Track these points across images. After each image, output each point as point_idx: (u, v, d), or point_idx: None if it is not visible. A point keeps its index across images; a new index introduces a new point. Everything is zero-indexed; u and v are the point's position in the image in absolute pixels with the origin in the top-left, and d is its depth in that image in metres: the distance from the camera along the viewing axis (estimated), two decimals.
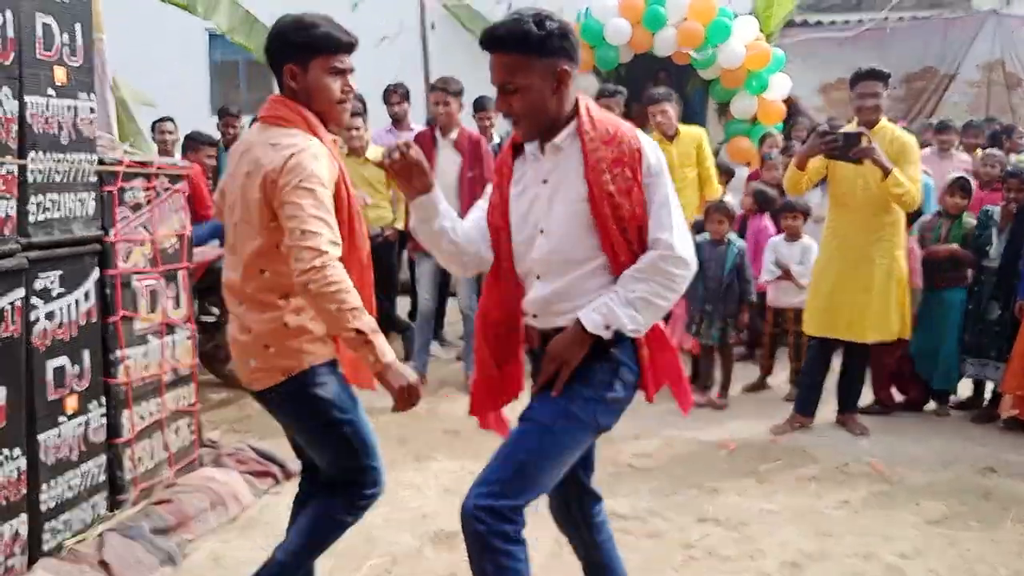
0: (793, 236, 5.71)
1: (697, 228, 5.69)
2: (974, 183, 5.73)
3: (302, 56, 2.51)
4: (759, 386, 5.87)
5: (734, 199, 6.69)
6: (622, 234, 2.30)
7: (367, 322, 2.35)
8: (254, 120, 2.72)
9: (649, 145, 2.35)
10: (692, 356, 5.82)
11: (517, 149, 2.43)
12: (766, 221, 6.29)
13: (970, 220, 5.42)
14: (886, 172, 4.58)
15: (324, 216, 2.37)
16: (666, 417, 5.32)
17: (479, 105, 6.76)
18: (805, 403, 5.15)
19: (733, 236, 5.67)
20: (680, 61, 8.47)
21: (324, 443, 2.66)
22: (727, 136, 8.68)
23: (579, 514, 2.70)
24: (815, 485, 4.29)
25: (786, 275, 5.67)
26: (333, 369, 2.62)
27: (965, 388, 5.60)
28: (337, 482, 2.70)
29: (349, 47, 2.56)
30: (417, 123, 7.43)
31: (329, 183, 2.45)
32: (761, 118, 8.44)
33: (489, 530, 2.20)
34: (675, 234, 2.32)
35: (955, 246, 5.33)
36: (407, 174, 2.37)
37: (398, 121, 7.20)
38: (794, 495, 4.17)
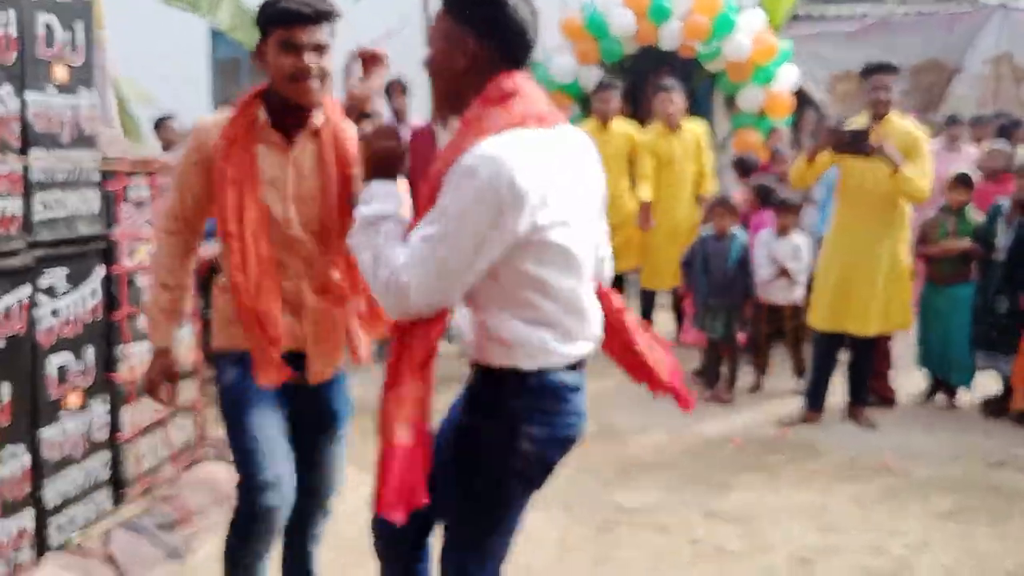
0: (784, 232, 5.69)
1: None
2: (979, 176, 5.69)
3: (264, 35, 2.37)
4: (756, 386, 5.81)
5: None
6: None
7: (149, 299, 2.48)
8: None
9: (463, 172, 1.80)
10: (710, 350, 5.81)
11: None
12: (767, 216, 6.23)
13: (975, 214, 5.39)
14: (896, 167, 4.58)
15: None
16: (673, 412, 5.29)
17: None
18: (814, 397, 5.15)
19: (737, 230, 5.65)
20: (686, 54, 8.44)
21: None
22: (734, 129, 8.65)
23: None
24: (823, 479, 4.27)
25: (782, 272, 5.64)
26: (236, 360, 2.46)
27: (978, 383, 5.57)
28: None
29: (302, 18, 2.30)
30: (413, 116, 7.40)
31: (192, 150, 2.41)
32: (768, 111, 8.40)
33: None
34: (412, 266, 1.83)
35: (967, 242, 5.31)
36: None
37: (399, 115, 7.19)
38: (802, 489, 4.15)
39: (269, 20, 2.35)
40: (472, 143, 1.82)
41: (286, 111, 2.41)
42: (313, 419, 2.66)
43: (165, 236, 2.52)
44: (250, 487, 2.40)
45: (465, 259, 1.81)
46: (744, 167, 6.91)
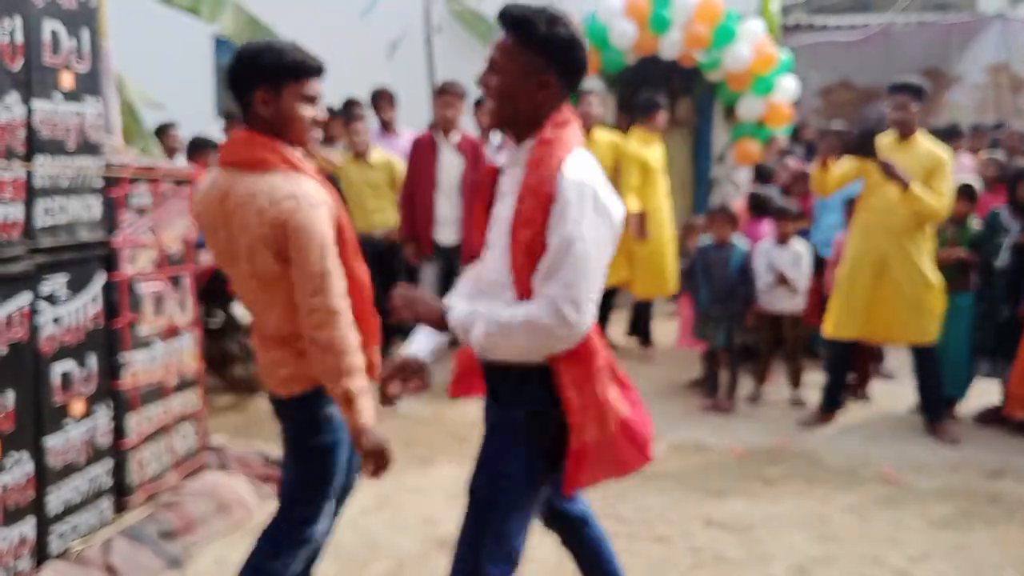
0: (783, 240, 5.70)
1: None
2: (980, 186, 5.71)
3: (273, 82, 2.41)
4: (756, 395, 5.82)
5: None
6: (529, 265, 2.10)
7: (359, 383, 2.39)
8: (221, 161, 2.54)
9: (574, 185, 2.05)
10: (710, 358, 5.82)
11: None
12: (765, 226, 6.23)
13: (975, 224, 5.41)
14: (904, 186, 4.61)
15: (332, 268, 2.38)
16: (672, 421, 5.33)
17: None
18: (829, 399, 5.21)
19: (737, 239, 5.66)
20: (686, 64, 8.46)
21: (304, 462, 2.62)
22: (733, 139, 8.67)
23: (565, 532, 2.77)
24: (822, 489, 4.28)
25: (781, 281, 5.65)
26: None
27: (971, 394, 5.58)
28: (277, 518, 2.62)
29: (319, 72, 2.47)
30: (407, 125, 7.41)
31: (329, 223, 2.40)
32: (768, 121, 8.42)
33: None
34: (565, 300, 2.05)
35: (961, 251, 5.32)
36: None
37: (387, 126, 7.20)
38: (802, 499, 4.16)
39: (287, 72, 2.41)
40: (563, 158, 2.09)
41: None
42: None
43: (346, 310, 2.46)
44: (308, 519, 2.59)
45: (601, 260, 2.10)
46: (763, 175, 6.90)
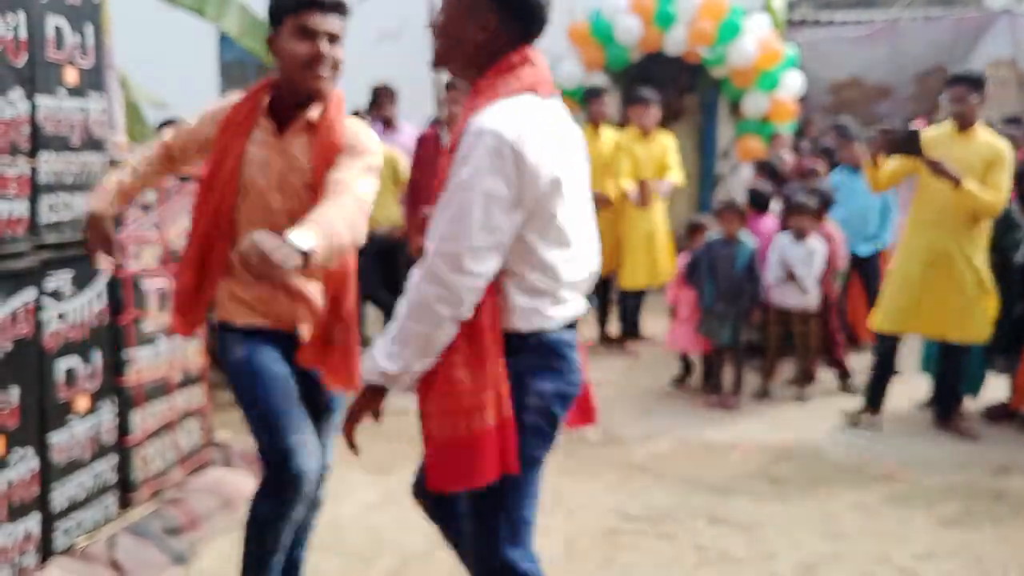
0: (800, 235, 5.67)
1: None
2: None
3: (276, 21, 2.40)
4: (764, 391, 5.81)
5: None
6: None
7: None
8: None
9: (473, 135, 1.91)
10: (704, 356, 5.80)
11: None
12: (767, 221, 6.21)
13: None
14: (955, 183, 4.52)
15: None
16: (677, 418, 5.32)
17: None
18: (874, 397, 5.15)
19: (744, 235, 5.64)
20: (691, 60, 8.45)
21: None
22: (738, 135, 8.65)
23: None
24: (828, 487, 4.26)
25: (791, 278, 5.63)
26: (241, 336, 2.57)
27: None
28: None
29: (318, 4, 2.35)
30: (410, 120, 7.40)
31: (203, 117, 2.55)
32: (773, 117, 8.40)
33: None
34: (440, 254, 1.93)
35: None
36: None
37: (388, 123, 7.18)
38: (807, 497, 4.14)
39: (284, 8, 2.39)
40: (481, 107, 1.96)
41: (287, 102, 2.49)
42: (309, 400, 2.67)
43: (156, 143, 2.69)
44: (276, 454, 2.45)
45: (493, 217, 1.90)
46: (768, 171, 6.88)
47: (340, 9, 2.41)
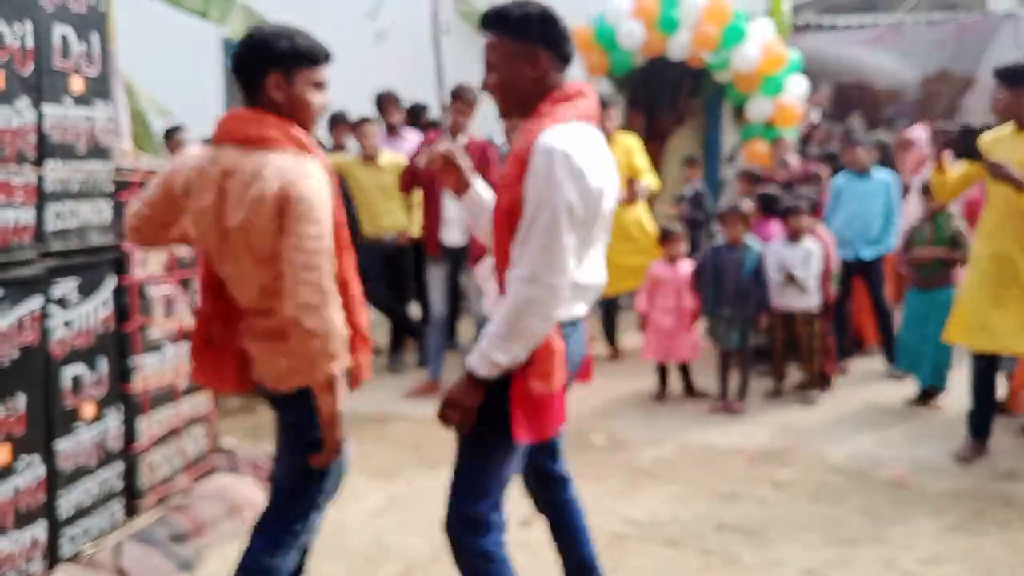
0: (795, 237, 5.67)
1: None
2: None
3: (286, 66, 2.44)
4: (776, 393, 5.84)
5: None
6: (507, 232, 2.28)
7: (341, 368, 2.40)
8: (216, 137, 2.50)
9: (544, 153, 2.20)
10: (681, 365, 5.82)
11: None
12: (774, 226, 6.22)
13: (951, 222, 5.51)
14: (1018, 186, 4.25)
15: (328, 246, 2.38)
16: (683, 423, 5.32)
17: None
18: (980, 427, 4.71)
19: (750, 240, 5.64)
20: (695, 64, 8.45)
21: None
22: (743, 140, 8.65)
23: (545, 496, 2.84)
24: (834, 492, 4.26)
25: (790, 280, 5.63)
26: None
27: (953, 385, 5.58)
28: (271, 513, 2.62)
29: (328, 59, 2.54)
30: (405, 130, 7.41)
31: (330, 204, 2.43)
32: (777, 121, 8.40)
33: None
34: (536, 263, 2.21)
35: (942, 250, 5.44)
36: (451, 176, 2.61)
37: (392, 130, 7.19)
38: (813, 501, 4.14)
39: (299, 58, 2.46)
40: (545, 127, 2.23)
41: None
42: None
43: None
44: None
45: (574, 224, 2.22)
46: (751, 178, 6.94)
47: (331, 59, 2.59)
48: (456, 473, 2.49)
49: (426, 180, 5.97)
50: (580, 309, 2.44)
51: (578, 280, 2.33)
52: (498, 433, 2.34)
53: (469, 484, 2.45)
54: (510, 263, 2.26)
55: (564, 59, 2.36)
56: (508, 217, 2.25)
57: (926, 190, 5.49)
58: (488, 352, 2.25)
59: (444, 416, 2.35)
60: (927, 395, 5.59)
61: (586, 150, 2.25)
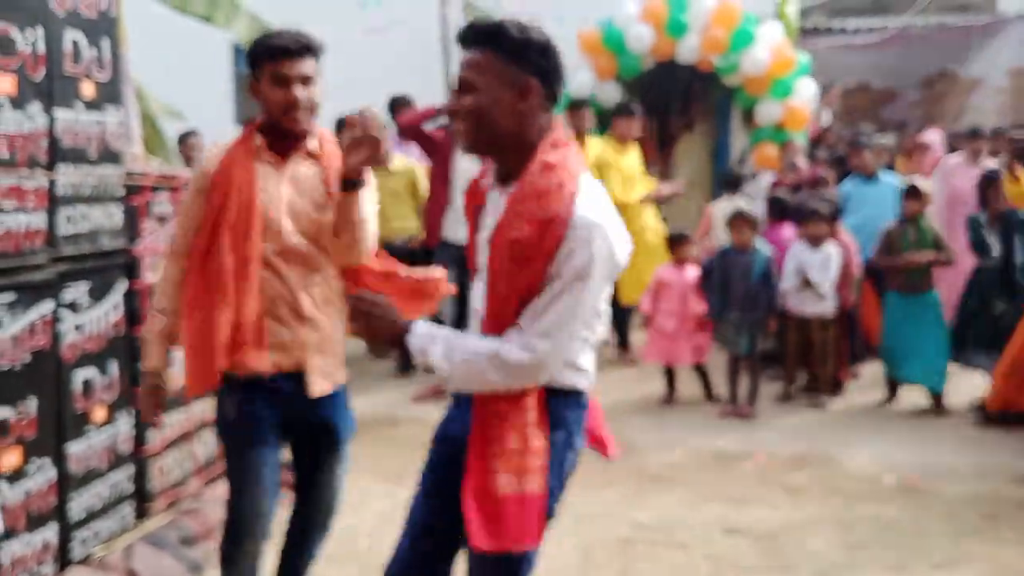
0: (815, 242, 5.66)
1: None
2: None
3: (256, 69, 2.52)
4: (786, 396, 5.82)
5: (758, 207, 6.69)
6: (513, 300, 1.95)
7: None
8: None
9: (585, 229, 1.89)
10: (731, 365, 5.80)
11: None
12: (786, 230, 6.20)
13: (930, 224, 5.60)
14: None
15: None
16: (692, 427, 5.30)
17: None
18: None
19: (760, 244, 5.63)
20: (704, 68, 8.44)
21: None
22: (753, 143, 8.63)
23: None
24: (846, 496, 4.24)
25: (806, 284, 5.61)
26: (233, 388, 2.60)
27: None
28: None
29: (287, 52, 2.47)
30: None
31: (200, 179, 2.57)
32: (787, 124, 8.38)
33: None
34: (545, 335, 1.92)
35: (931, 254, 5.48)
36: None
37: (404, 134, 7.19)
38: (824, 506, 4.12)
39: (259, 56, 2.51)
40: (573, 192, 1.92)
41: (281, 137, 2.58)
42: (314, 435, 2.71)
43: (167, 261, 2.68)
44: (242, 514, 2.62)
45: (591, 313, 1.99)
46: (781, 209, 6.70)
47: (312, 51, 2.53)
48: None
49: (432, 173, 5.96)
50: (585, 379, 2.10)
51: (595, 339, 2.10)
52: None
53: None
54: (505, 320, 1.96)
55: (553, 101, 2.03)
56: (513, 288, 1.94)
57: (907, 194, 5.55)
58: (433, 347, 1.97)
59: (354, 317, 2.05)
60: (935, 398, 5.56)
61: (611, 216, 1.97)
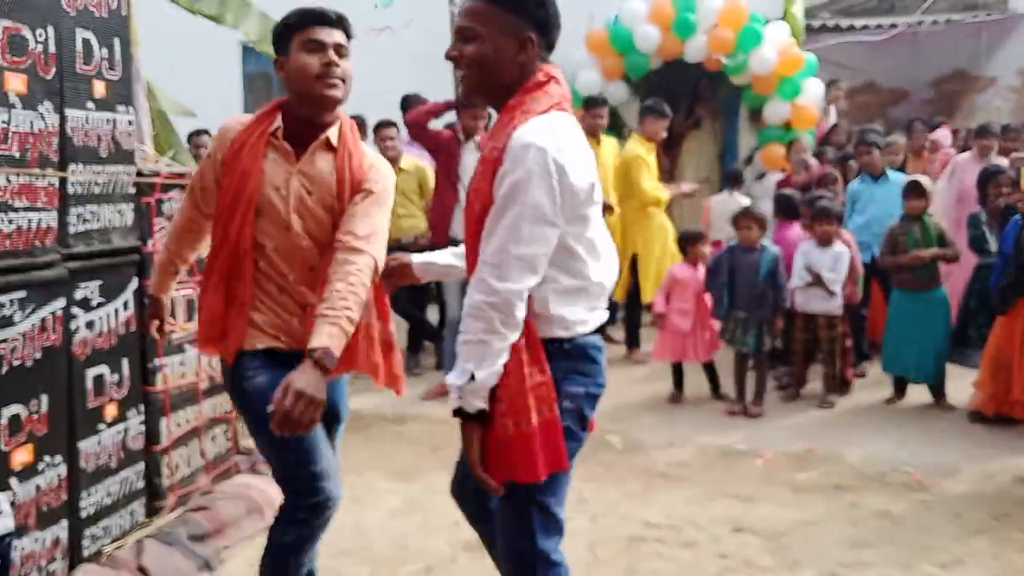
0: (825, 242, 5.65)
1: None
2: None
3: (283, 43, 2.46)
4: (794, 395, 5.82)
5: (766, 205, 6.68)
6: (477, 235, 2.05)
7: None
8: None
9: (518, 149, 1.95)
10: (706, 365, 5.81)
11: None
12: (793, 228, 6.19)
13: (935, 221, 5.58)
14: None
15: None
16: (700, 426, 5.30)
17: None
18: None
19: (766, 242, 5.62)
20: (711, 67, 8.43)
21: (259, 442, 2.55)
22: (761, 142, 8.62)
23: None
24: (852, 495, 4.23)
25: (817, 281, 5.61)
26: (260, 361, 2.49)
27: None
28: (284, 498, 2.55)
29: (324, 19, 2.42)
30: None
31: (214, 148, 2.53)
32: (795, 123, 8.37)
33: None
34: (489, 264, 1.99)
35: (937, 250, 5.46)
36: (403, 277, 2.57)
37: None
38: (831, 505, 4.12)
39: (289, 28, 2.45)
40: (519, 123, 1.99)
41: (301, 125, 2.50)
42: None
43: (180, 210, 2.74)
44: (306, 481, 2.44)
45: (539, 229, 1.97)
46: (788, 207, 6.73)
47: (344, 25, 2.48)
48: (504, 516, 2.23)
49: (438, 171, 5.97)
50: (592, 318, 2.17)
51: (596, 278, 2.12)
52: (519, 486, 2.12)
53: (520, 525, 2.19)
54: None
55: (550, 49, 2.13)
56: (478, 226, 2.04)
57: (909, 192, 5.53)
58: (448, 377, 2.07)
59: (480, 481, 2.09)
60: (937, 395, 5.58)
61: (566, 142, 2.01)
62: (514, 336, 2.01)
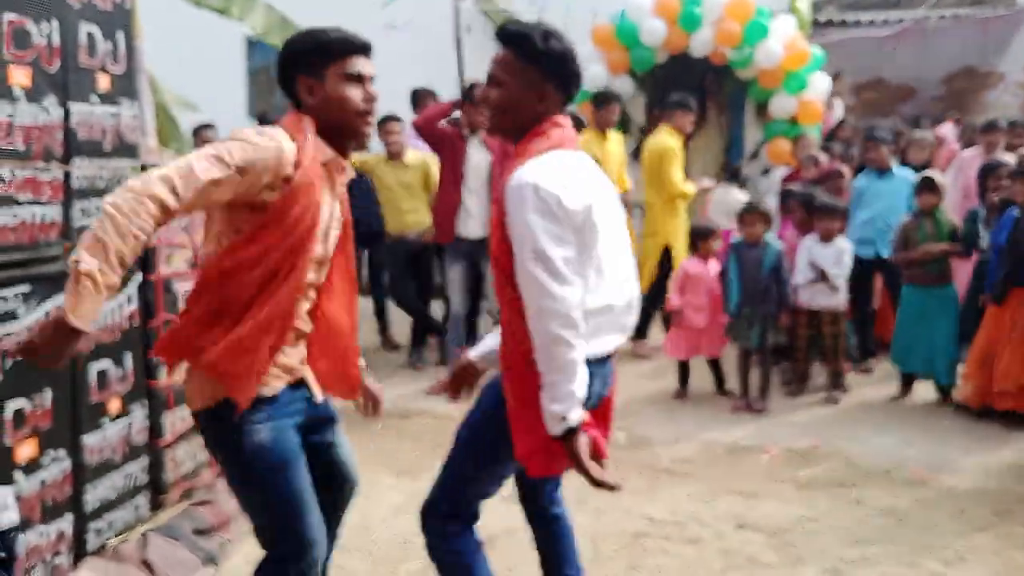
0: (827, 238, 5.64)
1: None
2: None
3: (316, 65, 2.26)
4: (797, 391, 5.81)
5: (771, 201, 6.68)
6: (505, 281, 2.26)
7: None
8: None
9: (514, 190, 2.17)
10: (711, 361, 5.80)
11: None
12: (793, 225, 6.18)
13: (947, 216, 5.56)
14: None
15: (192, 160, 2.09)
16: (704, 422, 5.30)
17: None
18: None
19: (771, 237, 5.61)
20: (717, 61, 8.41)
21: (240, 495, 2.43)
22: (767, 137, 8.59)
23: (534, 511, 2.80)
24: (856, 491, 4.23)
25: (822, 277, 5.60)
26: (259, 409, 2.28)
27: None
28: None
29: (364, 48, 2.30)
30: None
31: (254, 164, 2.12)
32: (801, 118, 8.34)
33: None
34: (528, 297, 2.18)
35: (947, 245, 5.45)
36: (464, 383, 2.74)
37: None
38: (835, 501, 4.11)
39: (327, 55, 2.26)
40: (519, 167, 2.21)
41: (335, 150, 2.32)
42: (320, 427, 2.55)
43: (155, 202, 2.11)
44: (298, 544, 2.35)
45: (559, 247, 2.15)
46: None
47: (369, 52, 2.35)
48: (446, 468, 2.53)
49: (443, 169, 5.96)
50: (606, 343, 2.33)
51: (595, 304, 2.24)
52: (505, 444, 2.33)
53: (454, 481, 2.51)
54: (509, 304, 2.24)
55: (568, 101, 2.37)
56: (497, 262, 2.26)
57: (922, 187, 5.51)
58: (548, 409, 2.18)
59: (595, 484, 2.28)
60: (944, 392, 5.57)
61: (558, 173, 2.19)
62: (583, 341, 2.16)
